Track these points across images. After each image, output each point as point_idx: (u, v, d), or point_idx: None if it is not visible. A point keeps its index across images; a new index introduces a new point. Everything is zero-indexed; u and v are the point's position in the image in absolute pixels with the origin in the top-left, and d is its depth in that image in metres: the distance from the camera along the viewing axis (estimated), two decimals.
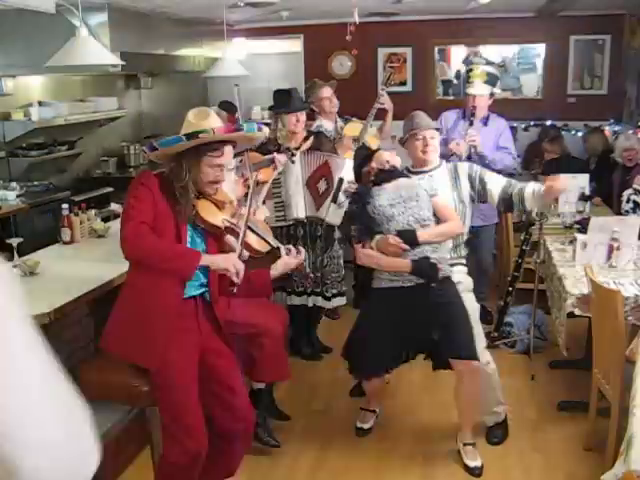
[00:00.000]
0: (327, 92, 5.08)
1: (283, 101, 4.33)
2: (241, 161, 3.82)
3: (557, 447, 3.61)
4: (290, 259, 3.10)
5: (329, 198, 4.27)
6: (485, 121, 4.89)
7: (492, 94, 4.82)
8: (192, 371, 2.81)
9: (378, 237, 3.36)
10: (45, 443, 0.81)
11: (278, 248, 3.10)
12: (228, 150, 2.80)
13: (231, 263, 2.77)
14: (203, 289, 2.93)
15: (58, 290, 3.13)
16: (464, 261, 3.72)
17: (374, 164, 3.54)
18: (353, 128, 5.11)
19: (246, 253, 2.96)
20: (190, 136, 2.65)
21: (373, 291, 3.47)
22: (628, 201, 4.38)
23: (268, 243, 3.08)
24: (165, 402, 2.78)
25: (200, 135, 2.64)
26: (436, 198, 3.46)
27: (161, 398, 2.79)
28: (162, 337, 2.74)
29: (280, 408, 3.93)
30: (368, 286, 3.51)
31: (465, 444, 3.51)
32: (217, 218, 2.83)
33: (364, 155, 3.68)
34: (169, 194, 2.71)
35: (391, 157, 3.55)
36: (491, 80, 4.79)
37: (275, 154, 4.06)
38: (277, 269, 3.10)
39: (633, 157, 5.36)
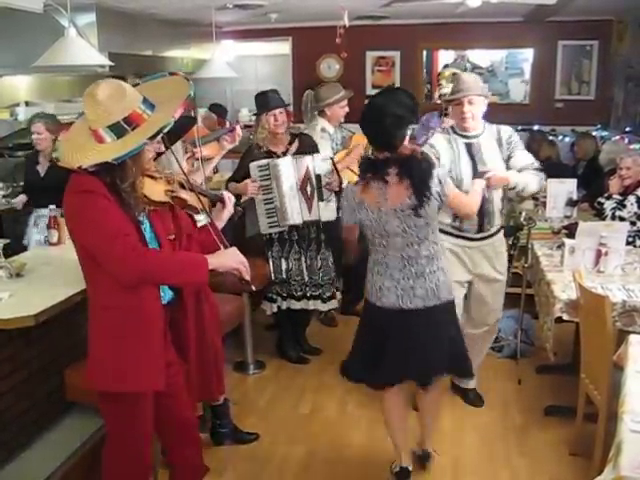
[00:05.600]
0: (346, 101, 5.03)
1: (261, 102, 4.32)
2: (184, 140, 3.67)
3: (543, 452, 3.61)
4: (229, 205, 2.77)
5: (316, 198, 4.31)
6: None
7: None
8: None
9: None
10: None
11: (221, 199, 2.79)
12: None
13: (238, 260, 2.44)
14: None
15: (44, 292, 3.11)
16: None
17: None
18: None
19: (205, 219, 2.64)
20: (155, 135, 2.25)
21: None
22: (613, 217, 4.36)
23: (210, 196, 2.80)
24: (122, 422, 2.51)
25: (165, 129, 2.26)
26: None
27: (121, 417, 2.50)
28: (159, 353, 2.47)
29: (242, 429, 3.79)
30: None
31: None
32: (160, 193, 2.44)
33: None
34: (116, 195, 2.29)
35: None
36: None
37: (236, 126, 4.21)
38: (222, 219, 2.77)
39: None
